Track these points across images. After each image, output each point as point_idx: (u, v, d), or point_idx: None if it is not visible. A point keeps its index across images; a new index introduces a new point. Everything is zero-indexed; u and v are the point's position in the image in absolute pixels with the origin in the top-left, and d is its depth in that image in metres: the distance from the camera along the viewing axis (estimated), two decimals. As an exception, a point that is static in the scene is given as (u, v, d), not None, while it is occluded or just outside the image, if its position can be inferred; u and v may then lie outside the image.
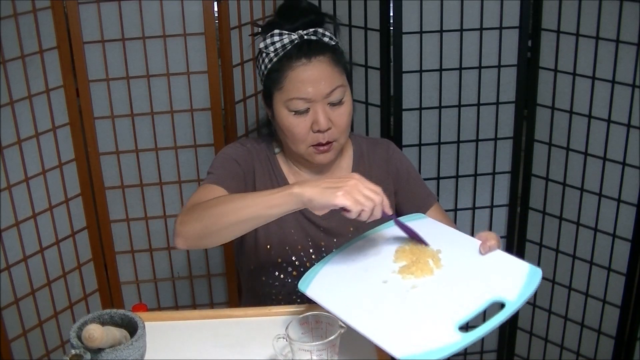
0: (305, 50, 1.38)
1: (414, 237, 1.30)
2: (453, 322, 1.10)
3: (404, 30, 1.97)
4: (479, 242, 1.27)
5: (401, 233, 1.33)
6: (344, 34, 2.08)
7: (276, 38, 1.39)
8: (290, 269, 1.50)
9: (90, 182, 2.11)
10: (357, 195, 1.17)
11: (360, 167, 1.54)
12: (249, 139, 1.58)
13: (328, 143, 1.42)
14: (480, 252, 1.26)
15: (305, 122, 1.40)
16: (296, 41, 1.39)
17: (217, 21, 2.05)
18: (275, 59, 1.40)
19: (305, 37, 1.39)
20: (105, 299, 2.23)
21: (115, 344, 1.14)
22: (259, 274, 1.52)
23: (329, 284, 1.24)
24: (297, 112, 1.40)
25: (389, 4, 1.95)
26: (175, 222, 1.32)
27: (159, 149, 2.14)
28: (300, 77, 1.38)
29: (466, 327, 1.10)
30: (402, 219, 1.37)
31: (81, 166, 2.08)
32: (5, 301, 1.91)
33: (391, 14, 1.97)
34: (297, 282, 1.45)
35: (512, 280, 1.17)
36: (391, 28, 1.98)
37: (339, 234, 1.52)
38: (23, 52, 1.84)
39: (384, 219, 1.24)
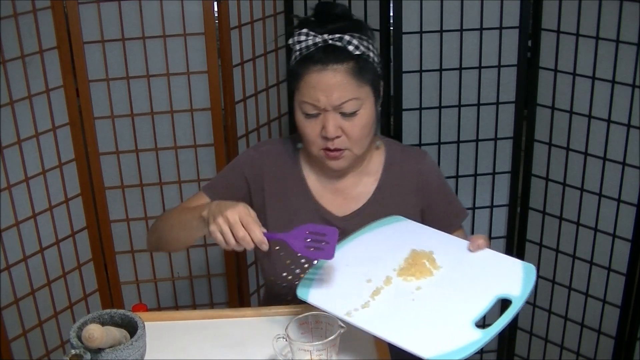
0: (324, 55, 1.35)
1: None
2: (469, 320, 1.12)
3: (404, 30, 1.97)
4: (466, 242, 1.29)
5: (387, 235, 1.34)
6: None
7: (302, 37, 1.36)
8: (298, 271, 1.47)
9: (90, 182, 2.11)
10: (220, 219, 1.19)
11: (390, 175, 1.50)
12: (275, 139, 1.56)
13: (338, 150, 1.39)
14: (470, 250, 1.28)
15: (316, 126, 1.38)
16: (319, 44, 1.35)
17: (217, 21, 2.05)
18: (298, 58, 1.38)
19: (330, 42, 1.35)
20: (105, 299, 2.23)
21: (115, 344, 1.14)
22: (269, 275, 1.51)
23: (330, 290, 1.23)
24: (308, 115, 1.38)
25: (389, 4, 1.95)
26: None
27: (159, 149, 2.14)
28: (313, 82, 1.35)
29: (480, 325, 1.12)
30: (376, 222, 1.39)
31: (81, 166, 2.08)
32: (5, 301, 1.91)
33: (391, 14, 1.96)
34: None
35: (512, 276, 1.20)
36: (391, 28, 1.98)
37: None
38: (23, 52, 1.84)
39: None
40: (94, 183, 2.12)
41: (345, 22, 1.39)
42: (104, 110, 2.07)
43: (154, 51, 2.04)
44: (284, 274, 1.48)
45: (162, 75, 2.07)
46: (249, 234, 1.19)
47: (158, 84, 2.08)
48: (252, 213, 1.21)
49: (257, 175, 1.49)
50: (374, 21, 2.00)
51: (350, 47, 1.35)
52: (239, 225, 1.18)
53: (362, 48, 1.36)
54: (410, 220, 1.40)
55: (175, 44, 2.05)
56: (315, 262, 1.32)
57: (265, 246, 1.20)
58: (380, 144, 1.53)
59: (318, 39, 1.35)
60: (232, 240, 1.19)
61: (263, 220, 1.45)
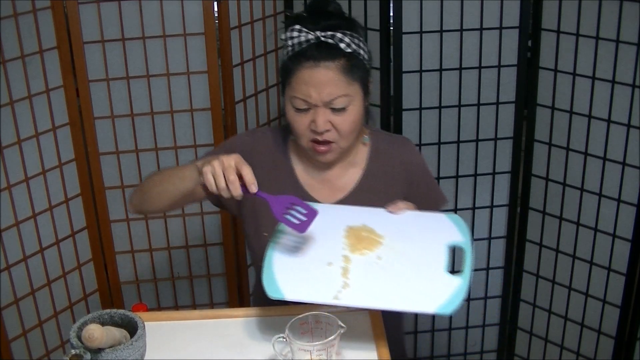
0: (317, 52, 1.38)
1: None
2: (441, 271, 1.22)
3: (404, 30, 1.97)
4: (381, 209, 1.40)
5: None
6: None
7: (295, 34, 1.39)
8: None
9: (90, 182, 2.11)
10: (215, 162, 1.22)
11: (375, 164, 1.54)
12: (266, 128, 1.61)
13: (327, 142, 1.43)
14: (390, 212, 1.39)
15: (305, 120, 1.42)
16: (312, 41, 1.38)
17: (217, 21, 2.05)
18: (290, 54, 1.41)
19: (323, 38, 1.38)
20: (105, 299, 2.23)
21: (115, 344, 1.14)
22: (258, 260, 1.49)
23: (300, 282, 1.23)
24: (299, 110, 1.42)
25: (389, 4, 1.95)
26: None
27: (159, 149, 2.14)
28: (305, 78, 1.38)
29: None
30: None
31: (81, 166, 2.08)
32: (5, 301, 1.91)
33: (391, 14, 1.97)
34: None
35: (446, 227, 1.34)
36: (391, 28, 1.98)
37: None
38: (23, 52, 1.84)
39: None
40: (94, 183, 2.12)
41: (337, 20, 1.42)
42: (104, 110, 2.07)
43: (154, 51, 2.04)
44: None
45: (162, 75, 2.07)
46: (240, 177, 1.23)
47: (158, 84, 2.08)
48: (249, 166, 1.26)
49: (247, 160, 1.50)
50: (374, 21, 2.00)
51: (342, 45, 1.38)
52: (232, 169, 1.23)
53: (353, 46, 1.40)
54: (319, 203, 1.45)
55: (175, 44, 2.05)
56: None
57: (254, 187, 1.24)
58: (367, 141, 1.56)
59: (310, 36, 1.38)
60: (222, 183, 1.23)
61: (251, 205, 1.50)
